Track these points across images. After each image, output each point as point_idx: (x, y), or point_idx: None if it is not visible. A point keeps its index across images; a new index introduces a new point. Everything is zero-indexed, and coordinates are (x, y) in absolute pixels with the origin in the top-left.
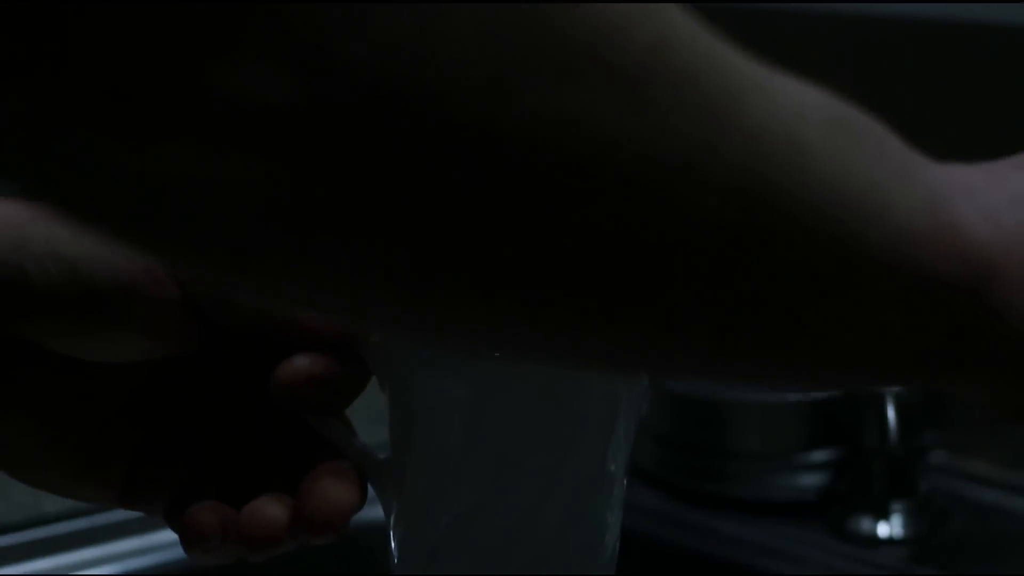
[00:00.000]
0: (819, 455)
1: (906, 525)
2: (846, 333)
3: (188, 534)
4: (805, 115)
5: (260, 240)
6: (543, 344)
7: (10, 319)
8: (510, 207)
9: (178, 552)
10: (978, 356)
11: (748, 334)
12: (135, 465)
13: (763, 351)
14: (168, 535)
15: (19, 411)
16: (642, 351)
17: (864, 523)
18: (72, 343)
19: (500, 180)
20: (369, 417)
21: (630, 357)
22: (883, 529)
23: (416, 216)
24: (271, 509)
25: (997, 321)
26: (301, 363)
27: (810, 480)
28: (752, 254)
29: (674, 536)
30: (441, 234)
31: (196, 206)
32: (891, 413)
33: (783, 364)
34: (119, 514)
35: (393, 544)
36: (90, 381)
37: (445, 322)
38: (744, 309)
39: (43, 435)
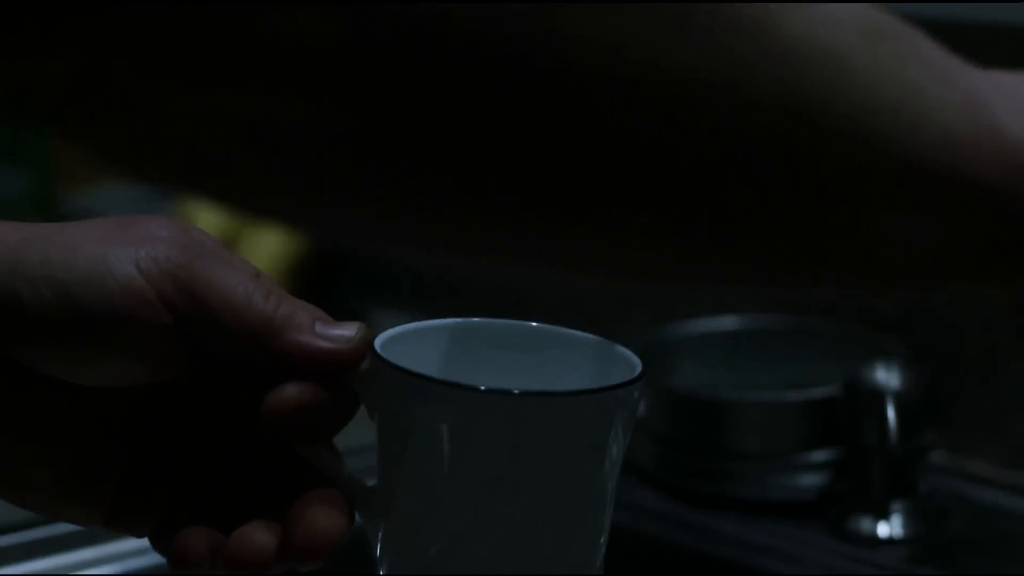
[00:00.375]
0: (819, 455)
1: (906, 525)
2: (889, 241)
3: (177, 558)
4: (842, 26)
5: (331, 176)
6: (605, 262)
7: (3, 342)
8: (559, 132)
9: None
10: (1019, 259)
11: (792, 246)
12: (122, 488)
13: (807, 262)
14: None
15: (8, 431)
16: (693, 263)
17: (864, 523)
18: (63, 366)
19: (548, 106)
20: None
21: (682, 270)
22: (883, 529)
23: (474, 143)
24: (259, 536)
25: None
26: (290, 391)
27: (810, 480)
28: (794, 168)
29: (674, 536)
30: (496, 159)
31: (268, 143)
32: (891, 413)
33: (826, 272)
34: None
35: (380, 572)
36: (80, 403)
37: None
38: (788, 222)
39: (31, 456)
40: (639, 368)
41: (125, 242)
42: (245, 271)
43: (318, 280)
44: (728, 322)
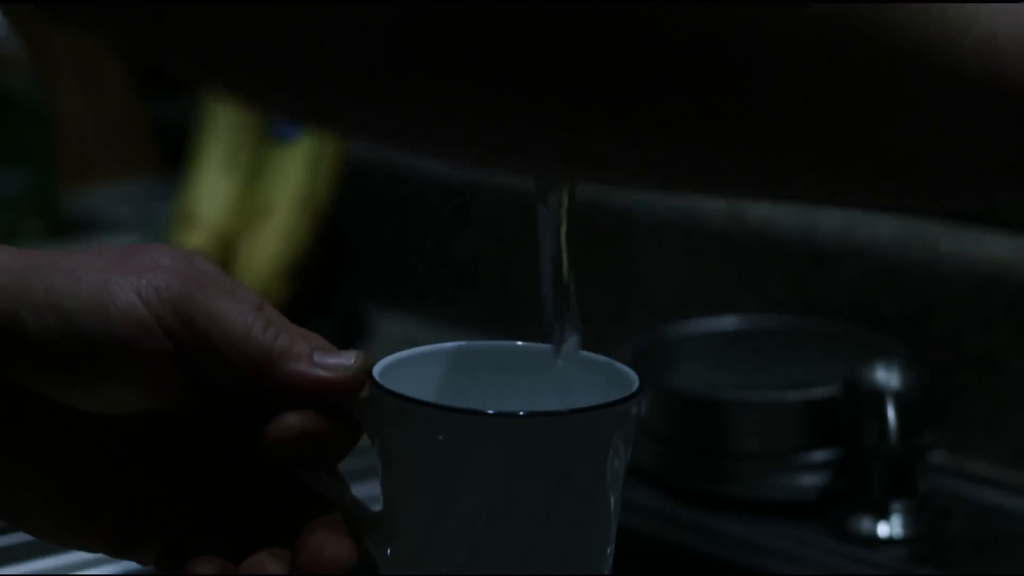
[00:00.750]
0: (819, 455)
1: (906, 525)
2: (936, 145)
3: None
4: None
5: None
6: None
7: (6, 367)
8: (638, 47)
9: None
10: None
11: (847, 154)
12: (126, 516)
13: (860, 167)
14: None
15: (13, 457)
16: (749, 175)
17: (864, 523)
18: (66, 392)
19: (607, 33)
20: None
21: (744, 180)
22: (883, 529)
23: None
24: (270, 565)
25: None
26: (292, 420)
27: (810, 480)
28: (844, 78)
29: (674, 536)
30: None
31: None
32: (891, 413)
33: (877, 178)
34: None
35: None
36: (83, 431)
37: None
38: (841, 130)
39: (36, 482)
40: (636, 383)
41: (128, 271)
42: (247, 302)
43: (318, 280)
44: (728, 322)
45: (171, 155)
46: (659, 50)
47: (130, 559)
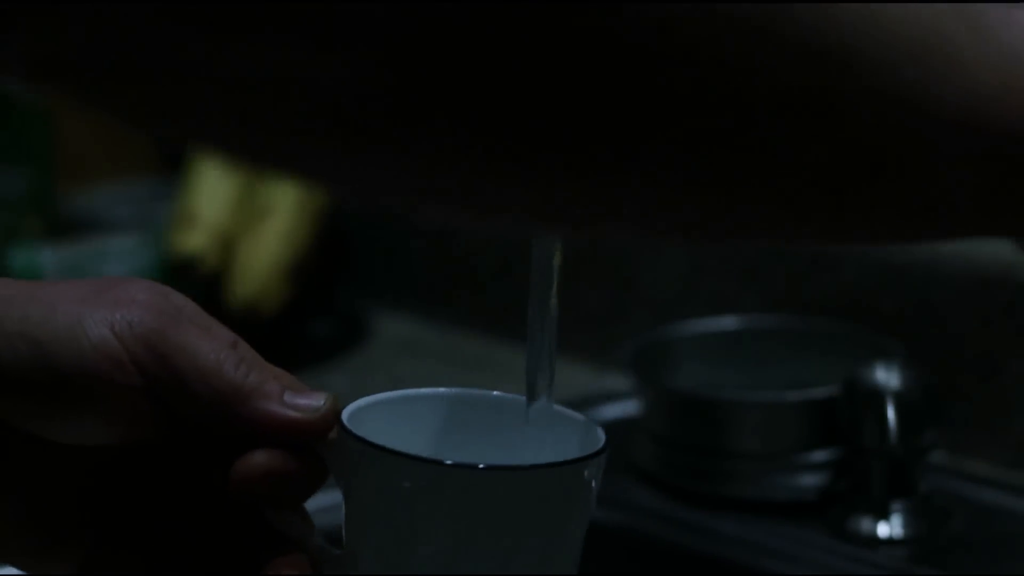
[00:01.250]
0: (819, 455)
1: (906, 525)
2: (917, 192)
3: None
4: None
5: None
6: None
7: None
8: (589, 77)
9: None
10: None
11: (820, 195)
12: (94, 545)
13: (834, 210)
14: None
15: None
16: (707, 212)
17: (864, 523)
18: (37, 423)
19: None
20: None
21: (699, 222)
22: (883, 529)
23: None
24: None
25: None
26: (258, 459)
27: (810, 480)
28: (826, 116)
29: (673, 536)
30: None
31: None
32: (891, 413)
33: (854, 223)
34: None
35: None
36: (56, 461)
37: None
38: (817, 169)
39: (4, 509)
40: (602, 442)
41: (103, 304)
42: (220, 339)
43: (318, 280)
44: (728, 322)
45: (171, 155)
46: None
47: None
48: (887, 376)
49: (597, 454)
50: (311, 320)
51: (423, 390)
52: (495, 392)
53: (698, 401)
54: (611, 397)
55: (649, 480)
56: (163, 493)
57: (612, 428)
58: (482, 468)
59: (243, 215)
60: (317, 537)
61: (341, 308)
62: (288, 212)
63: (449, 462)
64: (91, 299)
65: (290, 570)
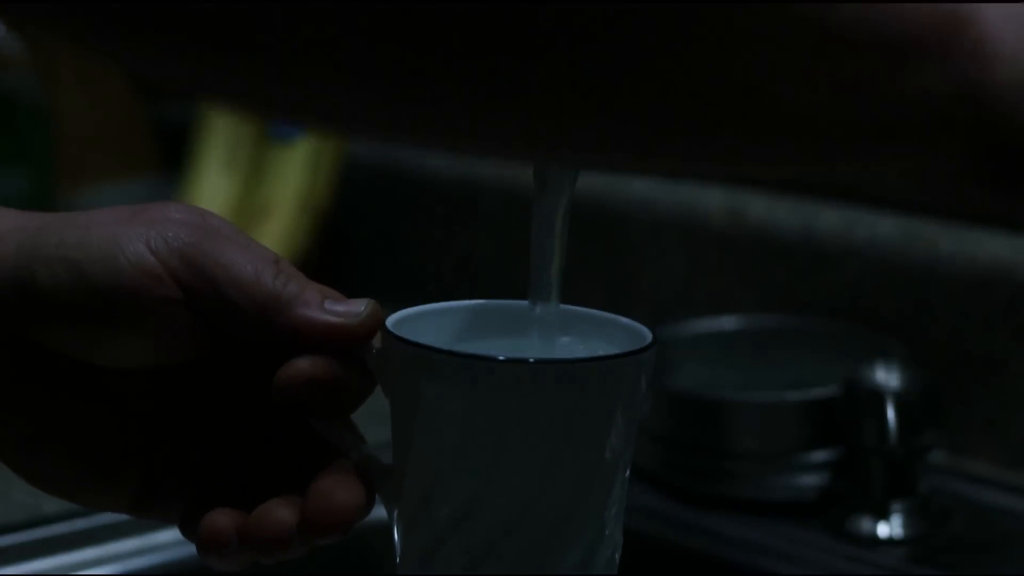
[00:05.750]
0: (819, 455)
1: (906, 525)
2: (818, 102)
3: (204, 541)
4: None
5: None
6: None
7: (22, 323)
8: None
9: (178, 552)
10: (946, 126)
11: (725, 116)
12: (146, 475)
13: (740, 130)
14: (168, 535)
15: (32, 418)
16: (613, 142)
17: (864, 523)
18: (81, 346)
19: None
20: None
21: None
22: (883, 529)
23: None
24: (280, 512)
25: (973, 85)
26: (302, 365)
27: (810, 480)
28: (721, 34)
29: (674, 536)
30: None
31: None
32: (891, 413)
33: (756, 142)
34: (119, 514)
35: (396, 543)
36: (102, 389)
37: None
38: (721, 90)
39: (56, 443)
40: (650, 338)
41: (138, 223)
42: (259, 254)
43: (318, 278)
44: (728, 322)
45: (171, 155)
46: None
47: (154, 518)
48: (887, 376)
49: (646, 348)
50: None
51: (462, 302)
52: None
53: (698, 401)
54: None
55: (649, 480)
56: (210, 414)
57: None
58: (532, 361)
59: (243, 215)
60: (366, 447)
61: None
62: (288, 212)
63: (501, 357)
64: (127, 219)
65: (337, 478)
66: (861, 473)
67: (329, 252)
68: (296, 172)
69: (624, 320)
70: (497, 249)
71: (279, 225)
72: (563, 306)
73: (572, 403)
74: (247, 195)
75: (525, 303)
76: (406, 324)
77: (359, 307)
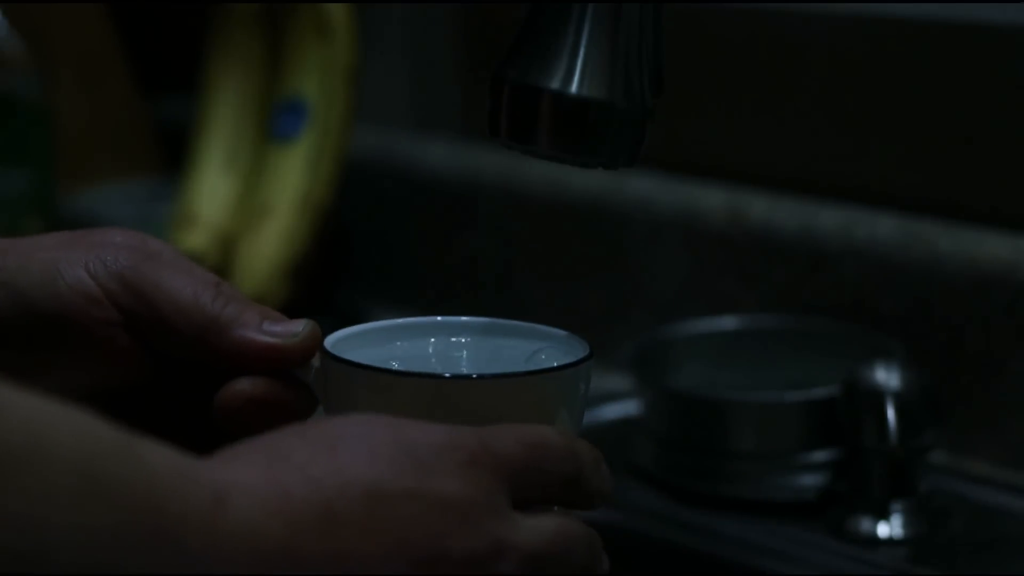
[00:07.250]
0: (819, 455)
1: (906, 525)
2: None
3: None
4: None
5: None
6: None
7: None
8: None
9: None
10: None
11: None
12: None
13: None
14: None
15: None
16: None
17: (864, 523)
18: (25, 371)
19: None
20: None
21: None
22: (883, 529)
23: None
24: None
25: None
26: (242, 385)
27: (810, 480)
28: None
29: (674, 536)
30: None
31: None
32: (891, 413)
33: None
34: None
35: None
36: None
37: None
38: None
39: None
40: (587, 350)
41: (79, 248)
42: (199, 277)
43: (318, 280)
44: (728, 322)
45: (171, 155)
46: None
47: None
48: (887, 376)
49: (584, 360)
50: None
51: (400, 320)
52: (480, 318)
53: (698, 401)
54: (611, 397)
55: (649, 480)
56: (155, 439)
57: (612, 428)
58: (476, 377)
59: (243, 215)
60: None
61: (341, 308)
62: (288, 212)
63: (447, 375)
64: (67, 244)
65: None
66: (861, 473)
67: (329, 252)
68: (296, 172)
69: (570, 337)
70: (497, 249)
71: (279, 225)
72: (484, 319)
73: (516, 416)
74: (247, 195)
75: (459, 319)
76: (344, 343)
77: (297, 327)
